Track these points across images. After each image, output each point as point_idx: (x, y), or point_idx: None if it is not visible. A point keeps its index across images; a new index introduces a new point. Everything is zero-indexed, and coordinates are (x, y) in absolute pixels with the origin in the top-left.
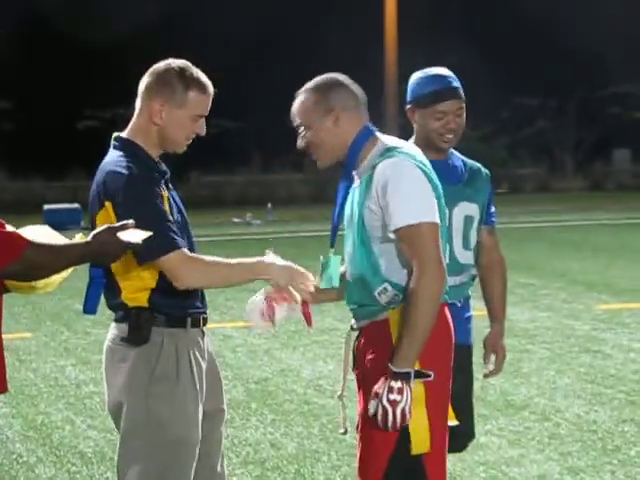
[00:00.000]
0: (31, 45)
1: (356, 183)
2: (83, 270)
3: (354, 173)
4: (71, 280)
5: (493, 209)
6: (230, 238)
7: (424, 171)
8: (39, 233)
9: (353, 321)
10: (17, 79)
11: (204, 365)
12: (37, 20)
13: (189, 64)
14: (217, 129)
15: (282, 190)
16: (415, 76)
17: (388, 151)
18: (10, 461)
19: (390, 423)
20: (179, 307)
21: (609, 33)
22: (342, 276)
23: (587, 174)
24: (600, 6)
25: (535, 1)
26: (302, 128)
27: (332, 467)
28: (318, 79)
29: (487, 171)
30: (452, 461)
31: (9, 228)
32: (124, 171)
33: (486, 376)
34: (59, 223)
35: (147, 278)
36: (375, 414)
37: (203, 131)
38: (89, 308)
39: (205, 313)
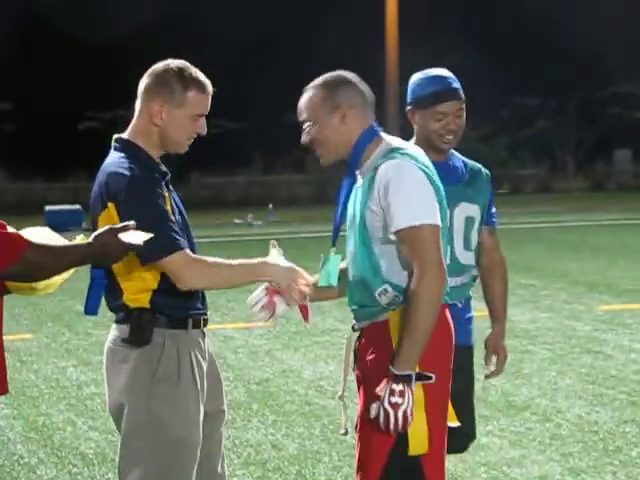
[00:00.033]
0: (31, 45)
1: (359, 183)
2: (84, 271)
3: (357, 172)
4: (72, 281)
5: (494, 210)
6: (231, 239)
7: (426, 173)
8: (39, 235)
9: (354, 322)
10: (17, 80)
11: (205, 366)
12: (37, 20)
13: (188, 64)
14: (217, 130)
15: (283, 191)
16: (415, 77)
17: (391, 152)
18: (11, 462)
19: (392, 426)
20: (180, 308)
21: (609, 33)
22: (342, 274)
23: (588, 175)
24: (600, 6)
25: (535, 1)
26: (308, 124)
27: (333, 468)
28: (327, 76)
29: (488, 172)
30: (453, 462)
31: (10, 229)
32: (126, 172)
33: (487, 377)
34: (60, 224)
35: (149, 279)
36: (377, 417)
37: (204, 130)
38: (90, 309)
39: (206, 314)
